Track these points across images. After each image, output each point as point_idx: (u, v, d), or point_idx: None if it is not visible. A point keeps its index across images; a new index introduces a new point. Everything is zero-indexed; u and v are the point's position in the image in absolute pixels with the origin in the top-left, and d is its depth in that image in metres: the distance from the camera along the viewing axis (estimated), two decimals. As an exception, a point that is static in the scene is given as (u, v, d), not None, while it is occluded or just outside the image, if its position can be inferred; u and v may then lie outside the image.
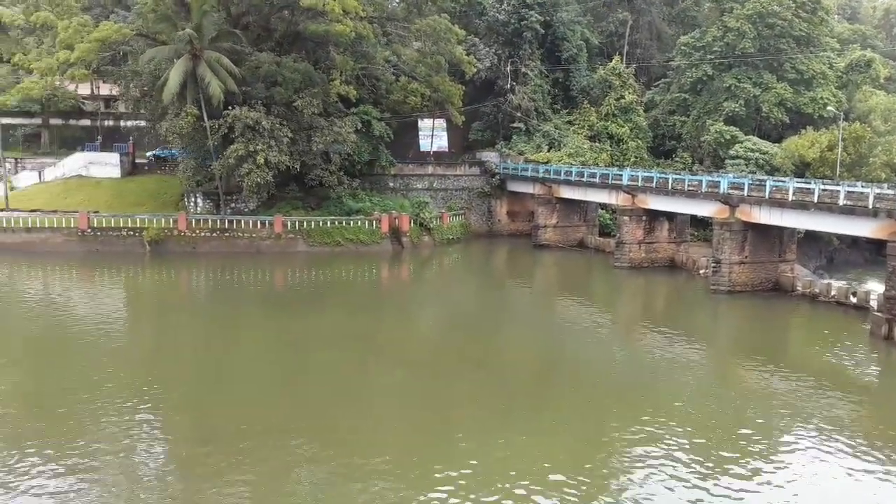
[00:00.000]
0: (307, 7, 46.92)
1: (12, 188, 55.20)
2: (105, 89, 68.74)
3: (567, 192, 54.25)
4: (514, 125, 61.14)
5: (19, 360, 27.78)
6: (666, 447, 20.03)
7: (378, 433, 21.08)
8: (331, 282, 44.81)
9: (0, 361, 27.25)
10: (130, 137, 63.07)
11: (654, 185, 46.15)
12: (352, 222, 51.38)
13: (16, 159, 61.18)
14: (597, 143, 60.66)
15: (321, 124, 49.68)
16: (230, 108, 47.37)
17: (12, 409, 22.46)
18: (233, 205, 52.18)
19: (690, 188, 43.63)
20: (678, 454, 19.65)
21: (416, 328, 35.13)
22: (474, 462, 19.01)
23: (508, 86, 61.04)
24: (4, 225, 48.72)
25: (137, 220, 49.34)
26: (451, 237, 55.47)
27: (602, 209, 57.74)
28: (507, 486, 17.71)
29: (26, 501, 16.49)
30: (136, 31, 50.63)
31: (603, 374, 27.14)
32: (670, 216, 47.50)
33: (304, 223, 50.42)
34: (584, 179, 51.69)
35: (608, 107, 61.97)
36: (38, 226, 48.99)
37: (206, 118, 47.33)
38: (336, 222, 51.04)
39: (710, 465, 19.18)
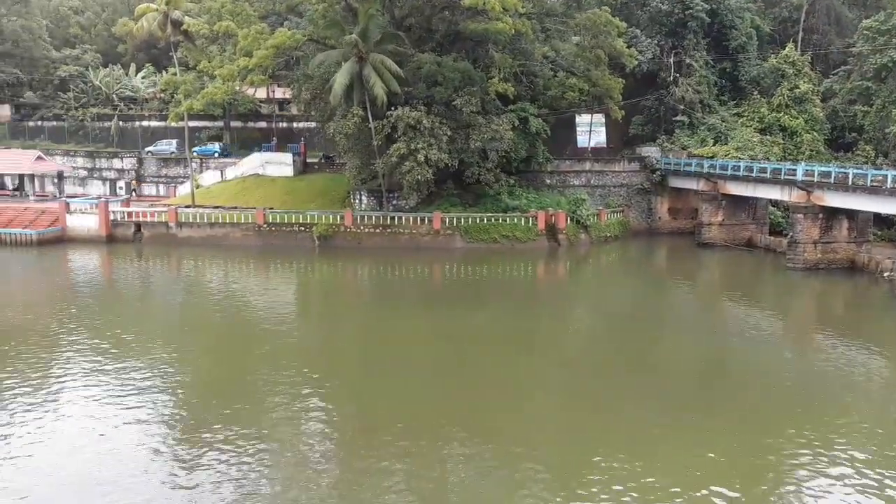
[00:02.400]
0: (468, 6, 47.58)
1: (198, 186, 60.08)
2: (279, 93, 73.23)
3: (734, 188, 51.73)
4: (677, 119, 59.00)
5: (202, 347, 30.26)
6: (845, 469, 18.73)
7: (532, 432, 21.18)
8: (487, 278, 45.32)
9: (187, 348, 29.85)
10: (302, 138, 66.81)
11: (832, 180, 43.06)
12: (508, 219, 51.69)
13: (201, 160, 66.63)
14: (767, 137, 57.32)
15: (479, 122, 50.29)
16: (393, 108, 48.97)
17: (196, 393, 24.55)
18: (394, 202, 53.97)
19: (874, 184, 40.33)
20: (859, 479, 18.30)
21: (573, 327, 34.87)
22: (630, 468, 18.66)
23: (671, 78, 58.97)
24: (191, 220, 53.12)
25: (308, 216, 52.21)
26: (608, 235, 54.45)
27: (773, 206, 54.61)
28: (665, 496, 17.27)
29: (208, 476, 17.97)
30: (308, 36, 53.35)
31: (773, 383, 25.71)
32: (850, 214, 44.12)
33: (462, 220, 51.29)
34: (754, 175, 49.07)
35: (780, 97, 58.41)
36: (219, 221, 52.99)
37: (370, 118, 49.21)
38: (493, 219, 51.54)
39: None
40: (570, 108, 57.16)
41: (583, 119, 59.97)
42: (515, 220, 51.75)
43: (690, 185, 55.82)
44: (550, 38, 56.64)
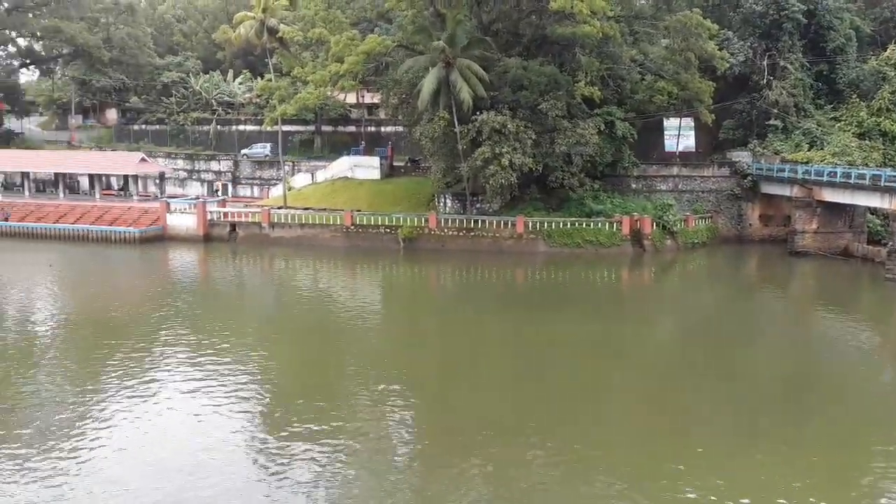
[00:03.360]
0: (555, 10, 47.67)
1: (290, 188, 62.17)
2: (368, 98, 74.97)
3: (830, 195, 49.87)
4: (770, 123, 57.25)
5: (291, 344, 31.47)
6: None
7: (612, 439, 21.23)
8: (570, 283, 45.24)
9: (277, 345, 31.12)
10: (389, 142, 68.21)
11: (936, 188, 41.08)
12: (592, 224, 51.42)
13: (293, 162, 68.99)
14: (866, 142, 54.97)
15: (564, 126, 50.24)
16: (478, 112, 49.49)
17: (284, 388, 25.64)
18: (478, 205, 54.50)
19: (983, 192, 38.27)
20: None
21: (657, 334, 34.51)
22: (710, 481, 18.51)
23: (764, 80, 57.27)
24: (283, 221, 55.06)
25: (393, 218, 53.32)
26: (696, 241, 53.40)
27: (871, 214, 52.37)
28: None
29: (294, 471, 18.81)
30: (397, 42, 54.52)
31: (866, 399, 24.88)
32: (957, 224, 41.97)
33: (545, 224, 51.33)
34: (852, 181, 47.19)
35: (881, 101, 55.92)
36: (309, 222, 54.72)
37: (456, 123, 49.89)
38: (576, 224, 51.38)
39: None
40: (657, 112, 56.34)
41: (671, 123, 58.99)
42: (599, 224, 51.45)
43: (783, 191, 54.11)
44: (639, 41, 56.04)
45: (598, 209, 52.68)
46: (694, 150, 59.59)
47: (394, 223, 53.01)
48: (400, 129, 67.83)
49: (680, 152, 58.98)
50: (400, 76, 53.82)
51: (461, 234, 52.00)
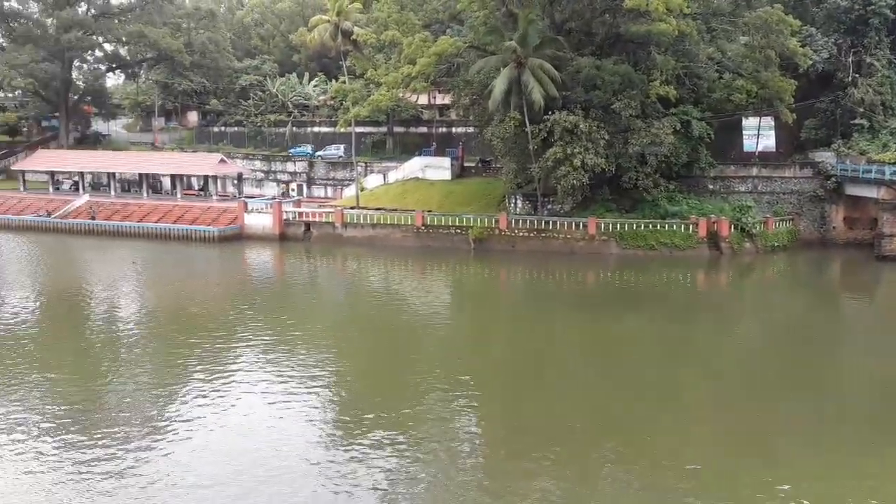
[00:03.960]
0: (630, 9, 46.93)
1: (363, 189, 63.05)
2: (440, 99, 75.35)
3: (920, 197, 47.60)
4: (856, 122, 54.92)
5: (363, 343, 31.89)
6: None
7: (685, 445, 20.76)
8: (643, 286, 44.47)
9: (349, 343, 31.61)
10: (460, 143, 68.43)
11: None
12: (667, 226, 50.41)
13: (365, 163, 69.93)
14: (961, 141, 52.27)
15: (638, 126, 49.40)
16: (550, 112, 49.14)
17: (355, 386, 25.99)
18: (549, 206, 54.11)
19: None
20: None
21: (734, 340, 33.52)
22: (786, 494, 17.92)
23: (850, 78, 55.00)
24: (356, 221, 55.86)
25: (464, 219, 53.46)
26: (776, 244, 51.69)
27: (966, 217, 49.70)
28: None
29: (364, 468, 19.00)
30: (469, 43, 54.61)
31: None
32: None
33: (618, 226, 50.58)
34: (944, 182, 45.00)
35: (976, 98, 53.08)
36: (381, 222, 55.35)
37: (527, 123, 49.66)
38: (650, 225, 50.45)
39: None
40: (736, 111, 54.77)
41: (750, 122, 57.27)
42: (674, 226, 50.39)
43: (870, 193, 51.86)
44: (716, 39, 54.57)
45: (674, 210, 51.59)
46: (774, 150, 57.70)
47: (464, 224, 53.12)
48: (471, 129, 67.94)
49: (759, 152, 57.22)
50: (471, 77, 53.89)
51: (532, 235, 51.72)
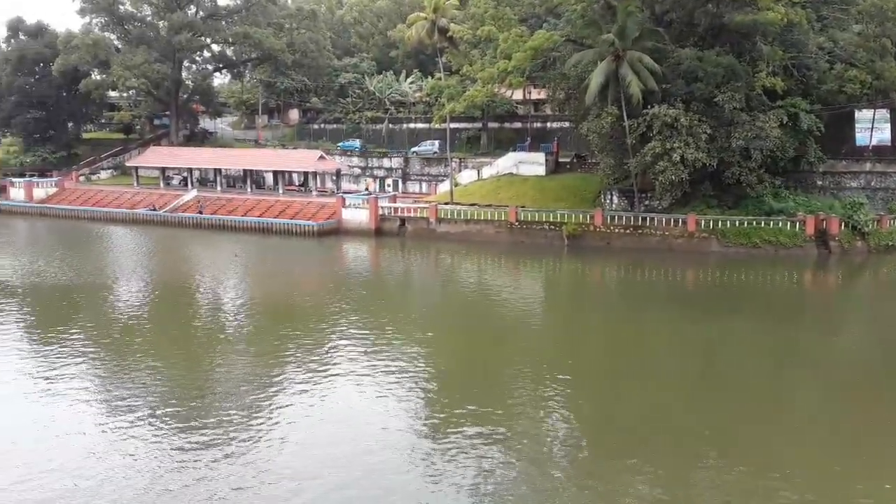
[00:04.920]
0: (734, -2, 45.39)
1: (457, 184, 63.42)
2: (535, 94, 74.94)
3: None
4: (983, 113, 51.34)
5: (455, 338, 32.09)
6: None
7: (790, 451, 19.89)
8: (745, 285, 42.90)
9: (442, 338, 31.88)
10: (555, 138, 67.82)
11: None
12: (772, 223, 48.45)
13: (460, 159, 70.32)
14: None
15: (742, 119, 47.65)
16: (649, 106, 48.04)
17: (448, 381, 26.18)
18: (646, 202, 52.94)
19: None
20: None
21: (843, 345, 31.83)
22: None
23: (976, 67, 51.36)
24: (450, 216, 56.25)
25: (558, 215, 52.98)
26: (889, 243, 48.77)
27: None
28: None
29: (451, 465, 19.09)
30: (565, 37, 54.07)
31: None
32: None
33: (719, 222, 48.99)
34: None
35: None
36: (474, 218, 55.52)
37: (625, 117, 48.72)
38: (754, 223, 48.61)
39: None
40: (848, 104, 52.02)
41: (863, 115, 54.25)
42: (780, 224, 48.37)
43: None
44: (827, 28, 52.05)
45: (779, 207, 49.53)
46: (889, 143, 54.48)
47: (558, 220, 52.65)
48: (566, 124, 67.27)
49: (873, 146, 54.14)
50: (567, 71, 53.32)
51: (628, 231, 50.74)
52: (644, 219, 50.81)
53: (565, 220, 52.24)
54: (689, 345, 30.36)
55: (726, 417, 22.28)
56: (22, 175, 79.04)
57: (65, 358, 27.05)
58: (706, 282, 44.40)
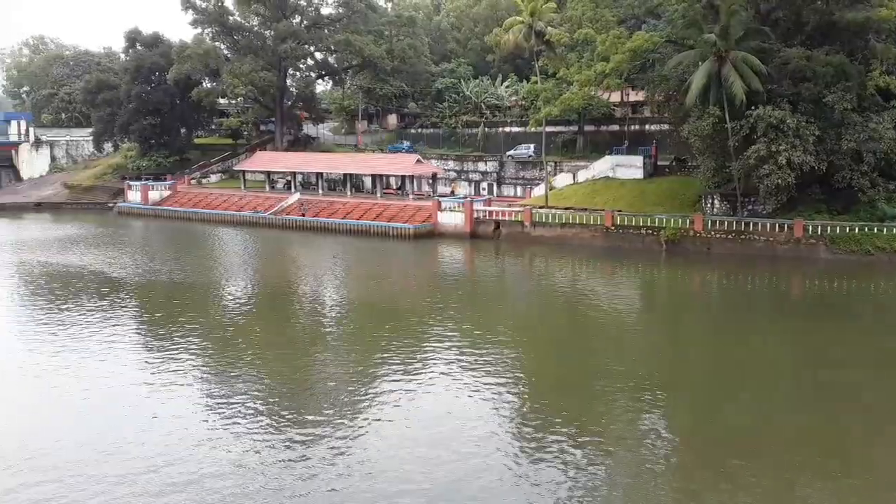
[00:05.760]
0: (845, -6, 43.44)
1: (552, 188, 63.16)
2: (633, 96, 73.70)
3: None
4: None
5: (548, 342, 32.06)
6: None
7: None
8: (858, 294, 40.96)
9: (534, 341, 31.92)
10: (654, 141, 66.49)
11: None
12: (886, 229, 46.02)
13: (555, 162, 69.94)
14: None
15: (854, 120, 45.51)
16: (753, 107, 46.53)
17: (540, 385, 26.22)
18: (749, 207, 51.26)
19: None
20: None
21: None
22: None
23: None
24: (544, 220, 56.11)
25: (656, 219, 51.99)
26: None
27: None
28: None
29: (547, 470, 19.14)
30: (665, 38, 53.09)
31: None
32: None
33: (828, 228, 46.91)
34: None
35: None
36: (570, 222, 55.16)
37: (727, 119, 47.38)
38: (866, 228, 46.30)
39: None
40: (974, 102, 48.85)
41: None
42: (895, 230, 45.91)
43: None
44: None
45: (893, 213, 47.01)
46: None
47: (656, 224, 51.68)
48: (665, 127, 65.84)
49: None
50: (667, 72, 52.34)
51: (729, 237, 49.27)
52: (747, 224, 49.22)
53: (663, 225, 51.22)
54: (796, 356, 29.27)
55: (836, 432, 21.41)
56: (138, 178, 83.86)
57: (174, 353, 28.66)
58: (814, 290, 42.58)
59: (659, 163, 63.36)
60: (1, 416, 22.49)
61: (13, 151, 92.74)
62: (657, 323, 36.34)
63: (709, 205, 53.61)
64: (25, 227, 69.26)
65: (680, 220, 51.11)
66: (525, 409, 23.34)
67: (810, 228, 47.22)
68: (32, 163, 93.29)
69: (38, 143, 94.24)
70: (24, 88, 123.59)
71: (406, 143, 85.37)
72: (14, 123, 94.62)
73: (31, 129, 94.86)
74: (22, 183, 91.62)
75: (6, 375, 26.14)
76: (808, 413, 22.98)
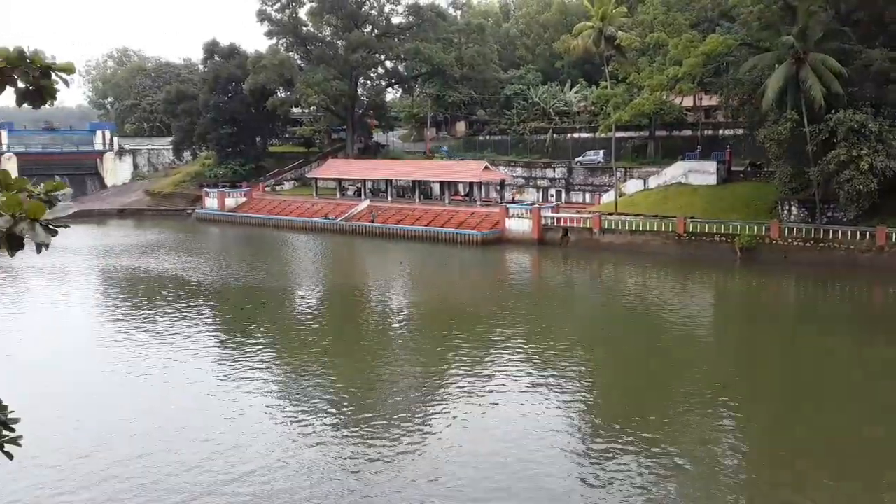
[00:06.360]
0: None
1: (622, 194, 62.38)
2: (706, 100, 72.19)
3: None
4: None
5: (616, 351, 31.67)
6: None
7: None
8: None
9: (602, 350, 31.58)
10: (727, 146, 65.01)
11: None
12: (977, 237, 43.90)
13: (625, 168, 69.04)
14: None
15: (944, 124, 43.57)
16: (832, 111, 45.04)
17: (608, 395, 25.95)
18: (829, 213, 49.55)
19: None
20: None
21: None
22: None
23: None
24: (614, 227, 55.47)
25: (730, 226, 50.77)
26: None
27: None
28: None
29: (615, 480, 18.94)
30: (740, 40, 51.90)
31: None
32: None
33: (914, 236, 45.01)
34: None
35: None
36: (640, 228, 54.37)
37: (805, 123, 45.97)
38: (956, 236, 44.25)
39: None
40: None
41: None
42: None
43: None
44: None
45: None
46: None
47: (730, 231, 50.44)
48: (739, 131, 64.30)
49: None
50: (742, 76, 51.12)
51: (808, 244, 47.71)
52: (826, 231, 47.59)
53: (738, 232, 49.96)
54: (880, 371, 28.15)
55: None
56: (215, 186, 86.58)
57: (249, 355, 29.49)
58: (897, 300, 40.95)
59: (733, 168, 61.84)
60: (105, 417, 23.33)
61: (98, 160, 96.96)
62: (731, 334, 35.48)
63: (785, 211, 52.06)
64: (109, 233, 72.31)
65: (755, 227, 49.79)
66: (593, 419, 23.12)
67: (894, 236, 45.34)
68: (116, 171, 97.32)
69: (121, 152, 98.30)
70: (109, 99, 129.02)
71: (444, 148, 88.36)
72: (99, 133, 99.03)
73: (114, 139, 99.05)
74: (106, 190, 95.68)
75: (97, 377, 27.36)
76: (886, 428, 22.08)
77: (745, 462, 20.07)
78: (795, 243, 48.06)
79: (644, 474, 18.79)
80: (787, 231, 48.77)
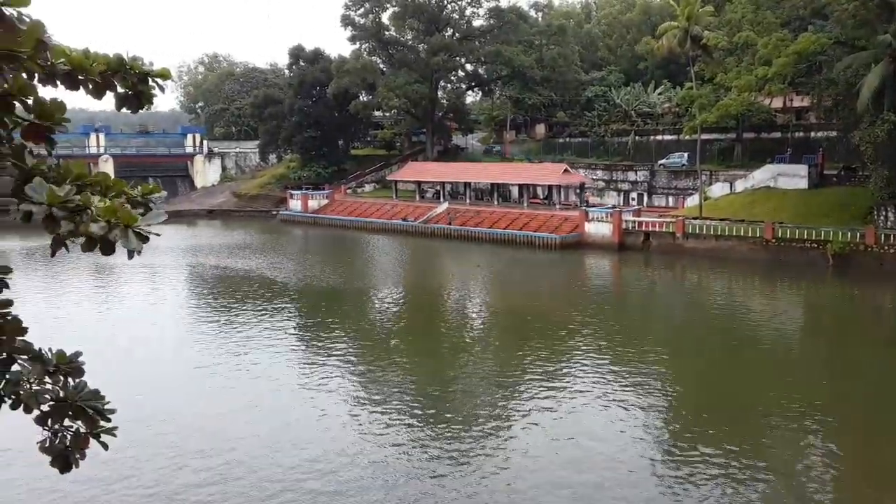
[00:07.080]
0: None
1: (706, 198, 60.77)
2: (796, 101, 69.60)
3: None
4: None
5: (697, 360, 30.83)
6: None
7: None
8: None
9: (683, 359, 30.79)
10: (819, 148, 62.52)
11: None
12: None
13: (710, 171, 67.20)
14: None
15: None
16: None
17: (686, 406, 25.28)
18: (931, 219, 47.04)
19: None
20: None
21: None
22: None
23: None
24: (698, 232, 54.07)
25: (822, 232, 48.78)
26: None
27: None
28: None
29: (696, 492, 18.48)
30: (834, 39, 49.84)
31: None
32: None
33: None
34: None
35: None
36: (726, 233, 52.83)
37: (905, 125, 43.78)
38: None
39: None
40: None
41: None
42: None
43: None
44: None
45: None
46: None
47: (822, 237, 48.49)
48: (833, 133, 61.72)
49: None
50: (836, 76, 49.10)
51: (906, 252, 45.45)
52: (927, 238, 45.23)
53: (830, 238, 47.98)
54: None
55: None
56: (299, 188, 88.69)
57: (331, 354, 30.09)
58: None
59: (825, 172, 59.44)
60: (195, 414, 24.26)
61: (188, 162, 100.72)
62: (821, 346, 34.01)
63: (882, 217, 49.64)
64: (199, 233, 75.00)
65: (849, 234, 47.70)
66: (673, 431, 22.57)
67: None
68: (205, 173, 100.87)
69: (210, 155, 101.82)
70: (199, 104, 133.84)
71: (496, 147, 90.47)
72: (190, 136, 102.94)
73: (204, 142, 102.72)
74: (196, 191, 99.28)
75: (184, 375, 28.42)
76: None
77: (829, 481, 19.22)
78: (892, 250, 45.82)
79: (724, 490, 18.23)
80: (883, 237, 46.56)
